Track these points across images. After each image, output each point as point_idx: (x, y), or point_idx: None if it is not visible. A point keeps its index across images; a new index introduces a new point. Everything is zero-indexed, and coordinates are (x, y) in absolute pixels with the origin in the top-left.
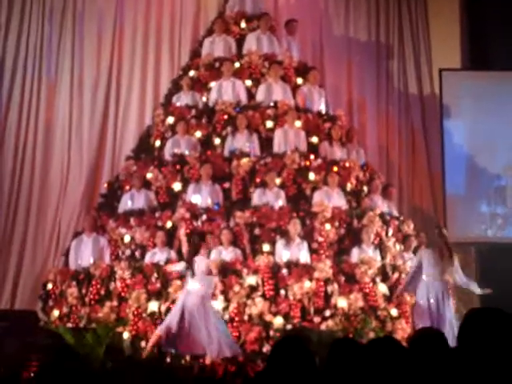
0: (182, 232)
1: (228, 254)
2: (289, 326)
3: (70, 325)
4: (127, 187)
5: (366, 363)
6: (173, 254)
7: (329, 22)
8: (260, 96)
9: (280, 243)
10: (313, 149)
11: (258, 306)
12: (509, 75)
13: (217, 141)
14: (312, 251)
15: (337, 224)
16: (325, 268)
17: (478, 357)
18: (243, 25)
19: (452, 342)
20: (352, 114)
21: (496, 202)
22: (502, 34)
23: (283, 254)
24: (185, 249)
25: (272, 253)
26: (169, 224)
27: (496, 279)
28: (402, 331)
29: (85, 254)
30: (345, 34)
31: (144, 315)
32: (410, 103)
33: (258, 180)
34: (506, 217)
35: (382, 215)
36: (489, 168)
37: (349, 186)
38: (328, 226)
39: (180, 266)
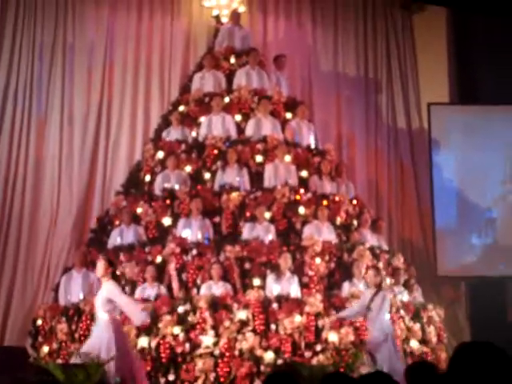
0: (172, 267)
1: (218, 288)
2: (280, 361)
3: (59, 361)
4: (117, 222)
5: None
6: (163, 289)
7: (317, 57)
8: (249, 131)
9: (270, 277)
10: (302, 183)
11: (248, 340)
12: (497, 109)
13: (207, 175)
14: (302, 285)
15: (327, 258)
16: (315, 302)
17: None
18: (232, 60)
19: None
20: (341, 148)
21: (487, 235)
22: (489, 68)
23: (274, 288)
24: (175, 284)
25: (262, 287)
26: (159, 259)
27: (486, 314)
28: None
29: (74, 289)
30: (333, 69)
31: (134, 351)
32: (399, 137)
33: (247, 214)
34: (497, 250)
35: (371, 249)
36: (479, 201)
37: (338, 220)
38: (318, 260)
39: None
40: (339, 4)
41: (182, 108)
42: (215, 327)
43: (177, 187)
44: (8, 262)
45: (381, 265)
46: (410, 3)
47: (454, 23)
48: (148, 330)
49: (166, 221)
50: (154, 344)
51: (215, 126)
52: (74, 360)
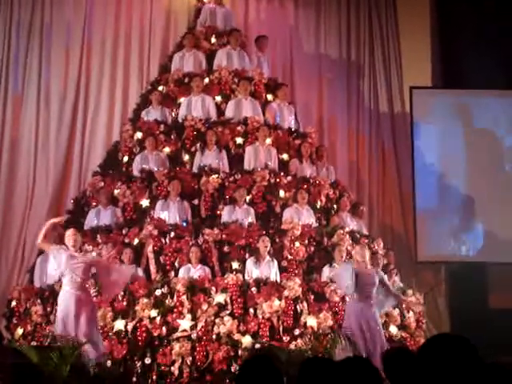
0: (149, 249)
1: (196, 271)
2: (257, 345)
3: (34, 343)
4: (94, 203)
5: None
6: (140, 272)
7: (299, 38)
8: (229, 112)
9: (249, 261)
10: (283, 166)
11: (226, 324)
12: (479, 93)
13: (186, 157)
14: (281, 269)
15: (306, 242)
16: (294, 286)
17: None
18: (213, 40)
19: None
20: (322, 131)
21: (467, 220)
22: (472, 51)
23: (252, 271)
24: (152, 266)
25: (241, 271)
26: (136, 241)
27: (466, 299)
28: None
29: (50, 271)
30: (315, 51)
31: (110, 334)
32: (381, 121)
33: (227, 197)
34: (478, 235)
35: (351, 233)
36: (460, 185)
37: (318, 204)
38: (297, 244)
39: None
40: None
41: (161, 88)
42: (193, 311)
43: (155, 169)
44: None
45: None
46: None
47: (438, 6)
48: (124, 312)
49: (144, 202)
50: (130, 327)
51: (195, 106)
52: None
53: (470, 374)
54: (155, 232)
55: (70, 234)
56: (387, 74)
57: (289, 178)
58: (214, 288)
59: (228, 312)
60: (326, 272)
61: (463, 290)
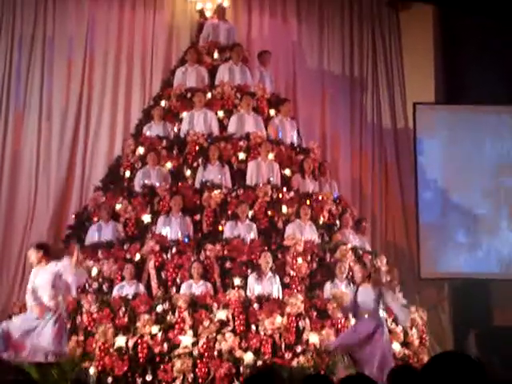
0: (151, 265)
1: (198, 287)
2: (259, 362)
3: None
4: (95, 218)
5: None
6: (141, 288)
7: (302, 54)
8: (232, 127)
9: (251, 277)
10: (285, 181)
11: (228, 341)
12: (482, 109)
13: (188, 172)
14: (284, 285)
15: (309, 258)
16: (296, 303)
17: None
18: (216, 55)
19: None
20: (325, 146)
21: (471, 236)
22: (475, 67)
23: (254, 288)
24: (154, 282)
25: (243, 287)
26: (137, 257)
27: (470, 317)
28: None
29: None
30: (318, 66)
31: (111, 350)
32: (384, 136)
33: (229, 212)
34: (481, 251)
35: (354, 249)
36: (464, 201)
37: (321, 220)
38: (300, 260)
39: None
40: (325, 0)
41: (163, 103)
42: (194, 327)
43: (157, 184)
44: None
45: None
46: (397, 1)
47: (441, 21)
48: (125, 329)
49: (146, 218)
50: (131, 343)
51: (197, 121)
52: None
53: None
54: (157, 247)
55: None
56: (390, 89)
57: (291, 193)
58: (215, 304)
59: (230, 328)
60: (328, 288)
61: (467, 306)
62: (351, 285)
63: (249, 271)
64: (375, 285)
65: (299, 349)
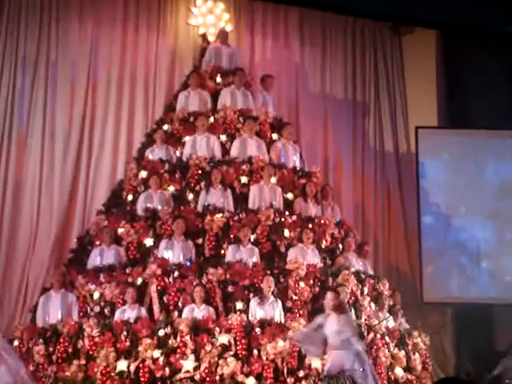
0: (153, 289)
1: (200, 311)
2: None
3: None
4: (97, 242)
5: None
6: (143, 312)
7: (305, 78)
8: (234, 151)
9: (253, 301)
10: (288, 205)
11: (230, 365)
12: (485, 133)
13: (190, 196)
14: (286, 310)
15: (311, 282)
16: (299, 327)
17: None
18: (219, 79)
19: None
20: (327, 170)
21: (478, 256)
22: (478, 91)
23: (257, 312)
24: (156, 306)
25: (245, 311)
26: (139, 280)
27: (473, 342)
28: None
29: (53, 310)
30: (321, 90)
31: (112, 374)
32: (386, 160)
33: (231, 236)
34: (485, 275)
35: (356, 273)
36: (467, 226)
37: (324, 244)
38: (302, 284)
39: None
40: (327, 25)
41: (166, 127)
42: (196, 351)
43: (159, 207)
44: None
45: (365, 290)
46: (399, 25)
47: (444, 46)
48: (127, 353)
49: (148, 241)
50: (133, 368)
51: (200, 145)
52: None
53: None
54: (159, 271)
55: None
56: (392, 113)
57: (294, 217)
58: (217, 328)
59: (232, 353)
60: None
61: (470, 331)
62: (353, 309)
63: (251, 295)
64: (341, 313)
65: (301, 373)
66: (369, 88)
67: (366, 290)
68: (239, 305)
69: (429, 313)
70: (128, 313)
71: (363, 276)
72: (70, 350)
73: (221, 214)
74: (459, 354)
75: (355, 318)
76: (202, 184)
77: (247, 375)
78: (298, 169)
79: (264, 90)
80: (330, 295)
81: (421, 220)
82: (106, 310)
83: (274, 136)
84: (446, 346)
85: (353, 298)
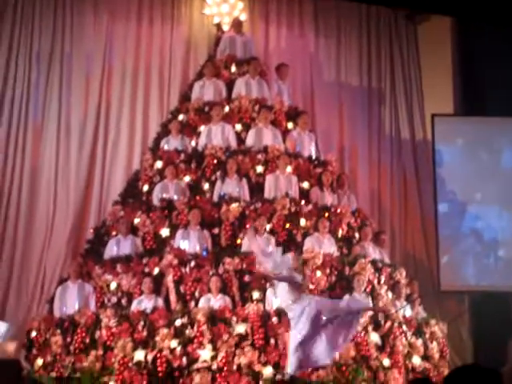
0: (169, 279)
1: (217, 301)
2: (279, 377)
3: (54, 374)
4: (114, 233)
5: None
6: (160, 302)
7: (319, 66)
8: (250, 141)
9: (270, 291)
10: (303, 194)
11: (247, 355)
12: (502, 121)
13: (206, 186)
14: None
15: (328, 271)
16: None
17: None
18: (233, 69)
19: None
20: (343, 159)
21: (496, 244)
22: (494, 78)
23: (273, 301)
24: (172, 296)
25: (262, 300)
26: (156, 271)
27: (490, 330)
28: (395, 382)
29: (70, 301)
30: (336, 78)
31: (130, 364)
32: (402, 148)
33: (247, 226)
34: (502, 264)
35: (373, 262)
36: (483, 214)
37: (340, 233)
38: (319, 273)
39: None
40: (342, 13)
41: (181, 117)
42: (213, 341)
43: (175, 197)
44: (2, 273)
45: (382, 279)
46: (415, 13)
47: (459, 33)
48: (144, 343)
49: (164, 232)
50: (150, 358)
51: (215, 135)
52: None
53: None
54: (175, 261)
55: None
56: (408, 101)
57: (310, 206)
58: (234, 318)
59: (249, 342)
60: None
61: (487, 319)
62: (370, 298)
63: (267, 285)
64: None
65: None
66: (384, 76)
67: (382, 279)
68: (256, 294)
69: (446, 301)
70: (145, 303)
71: (380, 265)
72: (88, 340)
73: (236, 204)
74: (477, 342)
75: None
76: (218, 174)
77: (264, 364)
78: (313, 158)
79: (279, 78)
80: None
81: (437, 207)
82: (123, 301)
83: (290, 125)
84: (464, 334)
85: (370, 287)
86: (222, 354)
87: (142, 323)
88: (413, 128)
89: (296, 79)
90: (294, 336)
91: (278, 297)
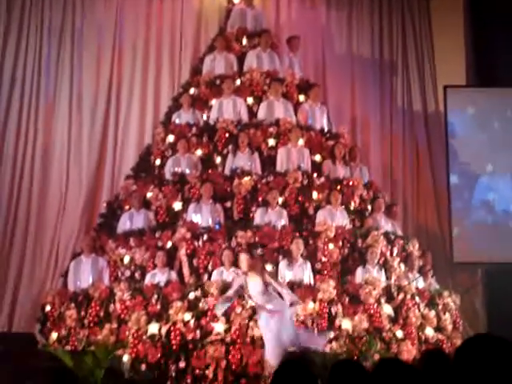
0: (182, 252)
1: (229, 274)
2: (292, 349)
3: (68, 347)
4: (127, 207)
5: None
6: (173, 275)
7: (331, 38)
8: (261, 114)
9: (282, 264)
10: (315, 167)
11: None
12: None
13: (218, 159)
14: (315, 271)
15: (340, 244)
16: (328, 289)
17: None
18: (244, 42)
19: None
20: (355, 131)
21: (508, 215)
22: (507, 50)
23: (286, 274)
24: (185, 269)
25: (275, 273)
26: (169, 244)
27: (504, 301)
28: (408, 353)
29: (84, 275)
30: (347, 50)
31: (144, 337)
32: (414, 120)
33: (259, 199)
34: None
35: (386, 234)
36: (496, 185)
37: (352, 205)
38: (331, 246)
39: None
40: None
41: (192, 91)
42: (226, 314)
43: (187, 171)
44: (16, 248)
45: (395, 251)
46: None
47: (472, 3)
48: (158, 316)
49: (177, 205)
50: (164, 331)
51: (226, 109)
52: None
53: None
54: (188, 235)
55: None
56: (421, 72)
57: (322, 179)
58: None
59: None
60: (360, 274)
61: (500, 290)
62: (383, 270)
63: (280, 258)
64: (259, 274)
65: (332, 334)
66: (396, 47)
67: (395, 251)
68: (268, 267)
69: (459, 273)
70: (158, 276)
71: (392, 237)
72: (102, 314)
73: (248, 177)
74: (490, 314)
75: (385, 278)
76: (230, 147)
77: None
78: (325, 130)
79: (290, 51)
80: (242, 257)
81: (450, 179)
82: (136, 274)
83: (301, 98)
84: (477, 306)
85: (382, 259)
86: (235, 327)
87: (155, 297)
88: (425, 100)
89: (307, 52)
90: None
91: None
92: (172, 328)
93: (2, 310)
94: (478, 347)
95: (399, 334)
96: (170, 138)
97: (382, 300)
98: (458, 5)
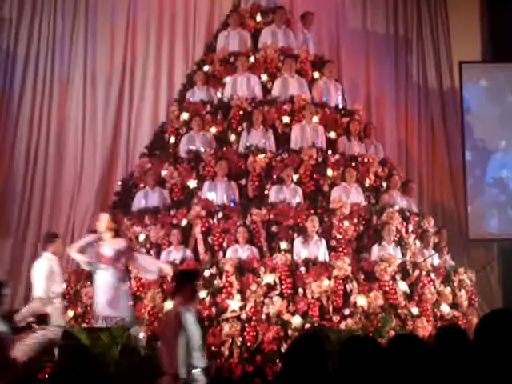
0: (197, 230)
1: (244, 252)
2: (307, 325)
3: (84, 325)
4: (141, 185)
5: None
6: (188, 253)
7: (345, 14)
8: (276, 91)
9: (298, 241)
10: (330, 144)
11: (275, 305)
12: None
13: (232, 137)
14: (330, 249)
15: (355, 221)
16: (344, 266)
17: (492, 357)
18: (258, 18)
19: None
20: (370, 108)
21: None
22: None
23: (301, 251)
24: (201, 247)
25: (289, 251)
26: (184, 222)
27: None
28: (423, 330)
29: None
30: (362, 26)
31: (160, 315)
32: (430, 97)
33: (274, 176)
34: None
35: (401, 211)
36: (510, 159)
37: (367, 182)
38: (346, 223)
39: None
40: None
41: (206, 68)
42: (242, 291)
43: (202, 149)
44: (32, 226)
45: (410, 228)
46: None
47: None
48: (173, 293)
49: (192, 183)
50: None
51: (240, 86)
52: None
53: None
54: (203, 213)
55: None
56: (435, 48)
57: (336, 156)
58: (262, 268)
59: (277, 292)
60: (376, 251)
61: None
62: (399, 247)
63: (295, 235)
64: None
65: (347, 311)
66: (411, 23)
67: (410, 228)
68: (283, 245)
69: (474, 249)
70: (173, 254)
71: (408, 214)
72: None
73: (263, 155)
74: (506, 290)
75: (401, 255)
76: (244, 125)
77: (293, 314)
78: (340, 107)
79: (304, 27)
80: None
81: (465, 155)
82: (151, 252)
83: (316, 74)
84: (493, 283)
85: (398, 236)
86: (250, 304)
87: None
88: (440, 76)
89: (321, 28)
90: None
91: None
92: None
93: (18, 288)
94: (498, 322)
95: (414, 310)
96: (185, 116)
97: (398, 277)
98: None
